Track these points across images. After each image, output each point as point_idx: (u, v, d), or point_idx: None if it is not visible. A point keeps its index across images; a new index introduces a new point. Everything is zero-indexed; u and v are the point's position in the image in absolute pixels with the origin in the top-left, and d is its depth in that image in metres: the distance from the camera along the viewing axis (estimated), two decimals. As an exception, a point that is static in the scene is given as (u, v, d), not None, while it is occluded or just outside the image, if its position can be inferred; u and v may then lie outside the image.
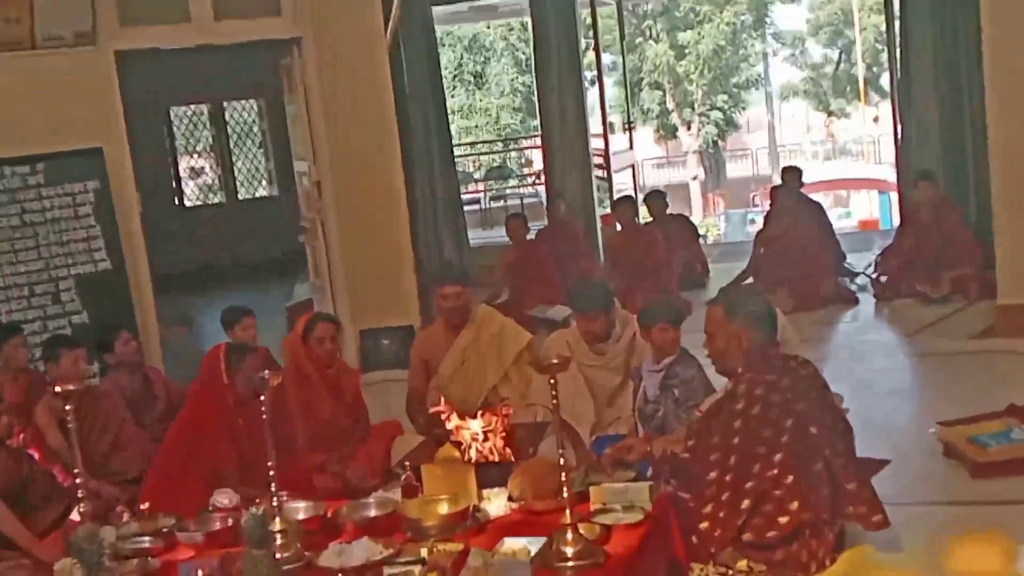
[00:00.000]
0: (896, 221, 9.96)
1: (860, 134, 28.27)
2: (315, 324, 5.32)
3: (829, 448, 3.35)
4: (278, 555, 3.26)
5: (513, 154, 21.97)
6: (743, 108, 28.00)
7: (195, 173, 15.92)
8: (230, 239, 13.37)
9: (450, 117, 12.00)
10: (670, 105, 27.31)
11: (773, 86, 29.88)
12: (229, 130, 14.26)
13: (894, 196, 11.10)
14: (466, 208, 12.47)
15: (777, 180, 9.77)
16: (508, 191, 16.35)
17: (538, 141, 12.45)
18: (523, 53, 24.73)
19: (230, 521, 3.71)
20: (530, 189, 16.26)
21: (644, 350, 4.83)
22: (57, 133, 6.84)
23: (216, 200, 14.60)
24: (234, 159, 14.34)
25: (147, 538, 3.70)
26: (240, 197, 14.32)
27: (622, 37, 13.33)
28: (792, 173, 9.67)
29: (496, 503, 3.67)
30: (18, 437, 5.05)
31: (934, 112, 9.23)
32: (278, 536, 3.36)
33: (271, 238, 12.87)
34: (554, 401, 3.24)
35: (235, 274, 12.66)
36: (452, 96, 24.53)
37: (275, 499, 3.46)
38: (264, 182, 14.54)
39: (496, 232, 13.00)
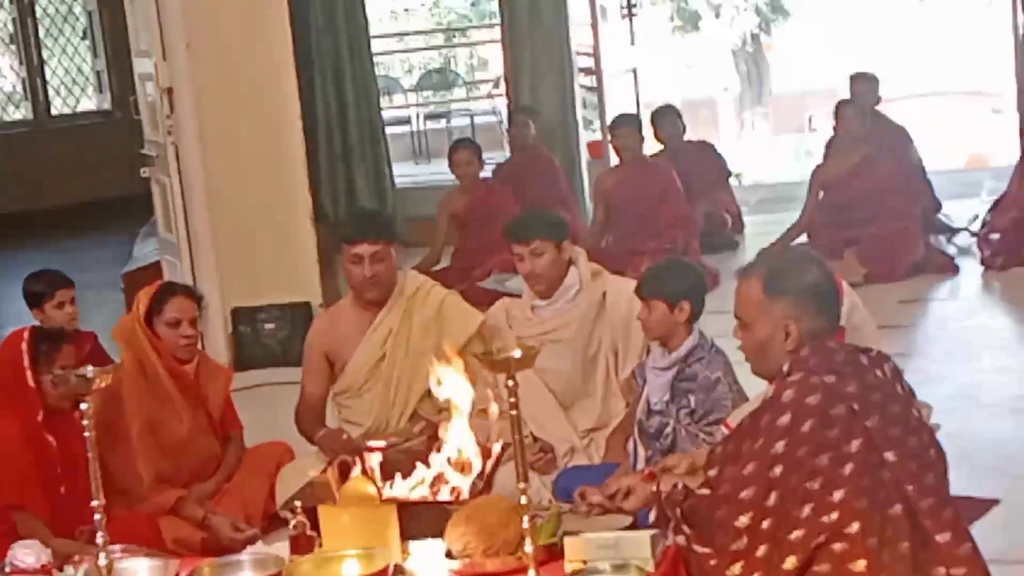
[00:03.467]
0: (1016, 155, 10.03)
1: (964, 21, 28.41)
2: (166, 300, 5.30)
3: (913, 483, 3.38)
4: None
5: (460, 52, 21.91)
6: (797, -14, 28.03)
7: (-13, 76, 15.73)
8: (38, 173, 13.25)
9: (367, -4, 11.93)
10: (691, -19, 27.30)
11: (841, -48, 29.90)
12: (38, 11, 14.09)
13: (1013, 118, 11.19)
14: (390, 131, 12.44)
15: (844, 93, 9.82)
16: (453, 106, 16.31)
17: (496, 33, 12.40)
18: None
19: (36, 588, 3.70)
20: (485, 104, 16.23)
21: (625, 328, 5.03)
22: None
23: (18, 116, 14.44)
24: (45, 55, 14.17)
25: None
26: (54, 112, 14.17)
27: None
28: (865, 83, 9.70)
29: (429, 561, 3.68)
30: None
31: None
32: (107, 610, 3.36)
33: (100, 172, 12.77)
34: (513, 412, 3.25)
35: (46, 225, 12.55)
36: (371, -35, 24.35)
37: (103, 555, 3.45)
38: (90, 90, 14.39)
39: (435, 167, 12.99)
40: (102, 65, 13.98)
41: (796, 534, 3.31)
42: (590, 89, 11.51)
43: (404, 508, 3.87)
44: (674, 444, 4.60)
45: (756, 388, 3.97)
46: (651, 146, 10.13)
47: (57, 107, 14.26)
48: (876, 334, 4.81)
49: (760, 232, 9.77)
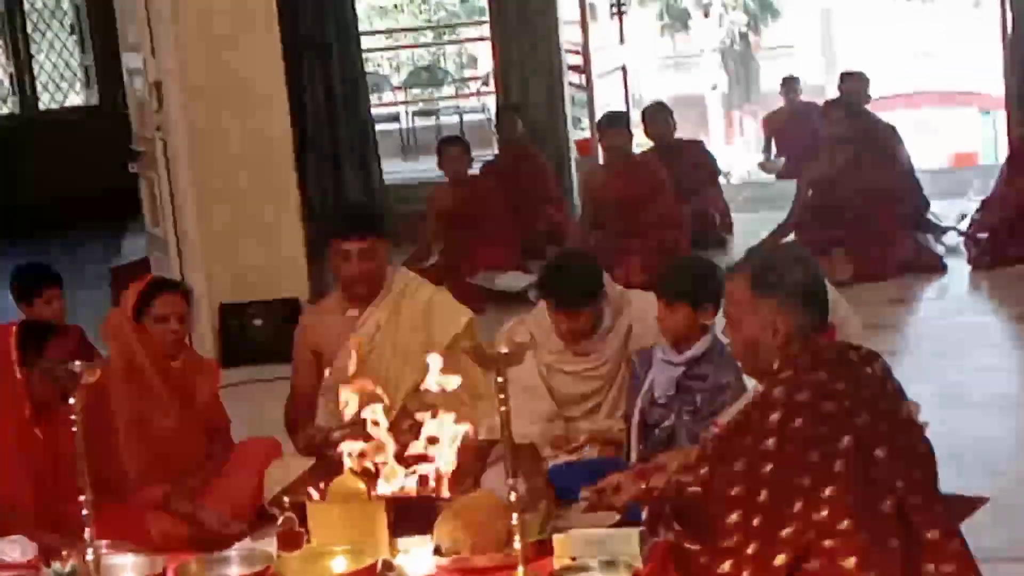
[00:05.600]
0: (1003, 154, 10.06)
1: (954, 26, 28.47)
2: (154, 296, 5.29)
3: (902, 480, 3.38)
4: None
5: (449, 49, 21.92)
6: (785, -14, 28.07)
7: (-26, 71, 15.70)
8: (26, 168, 13.22)
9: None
10: (680, -20, 27.33)
11: (829, -48, 29.93)
12: (25, 5, 14.06)
13: (1001, 117, 11.25)
14: (379, 128, 12.44)
15: (833, 92, 9.84)
16: (441, 104, 16.33)
17: (485, 31, 12.41)
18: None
19: (23, 583, 3.69)
20: (473, 101, 16.26)
21: (642, 342, 4.90)
22: None
23: (5, 111, 14.41)
24: (33, 50, 14.14)
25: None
26: (42, 106, 14.15)
27: None
28: (855, 82, 9.72)
29: (417, 557, 3.67)
30: None
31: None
32: (94, 605, 3.35)
33: (88, 167, 12.74)
34: (502, 408, 3.24)
35: (33, 220, 12.52)
36: (359, -39, 24.31)
37: (90, 550, 3.43)
38: (78, 85, 14.36)
39: (423, 164, 12.98)
40: (90, 60, 13.96)
41: (786, 531, 3.30)
42: (579, 87, 11.52)
43: (393, 504, 3.87)
44: (672, 438, 4.60)
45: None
46: (641, 143, 10.15)
47: (45, 102, 14.23)
48: (859, 330, 4.81)
49: (748, 231, 9.77)
